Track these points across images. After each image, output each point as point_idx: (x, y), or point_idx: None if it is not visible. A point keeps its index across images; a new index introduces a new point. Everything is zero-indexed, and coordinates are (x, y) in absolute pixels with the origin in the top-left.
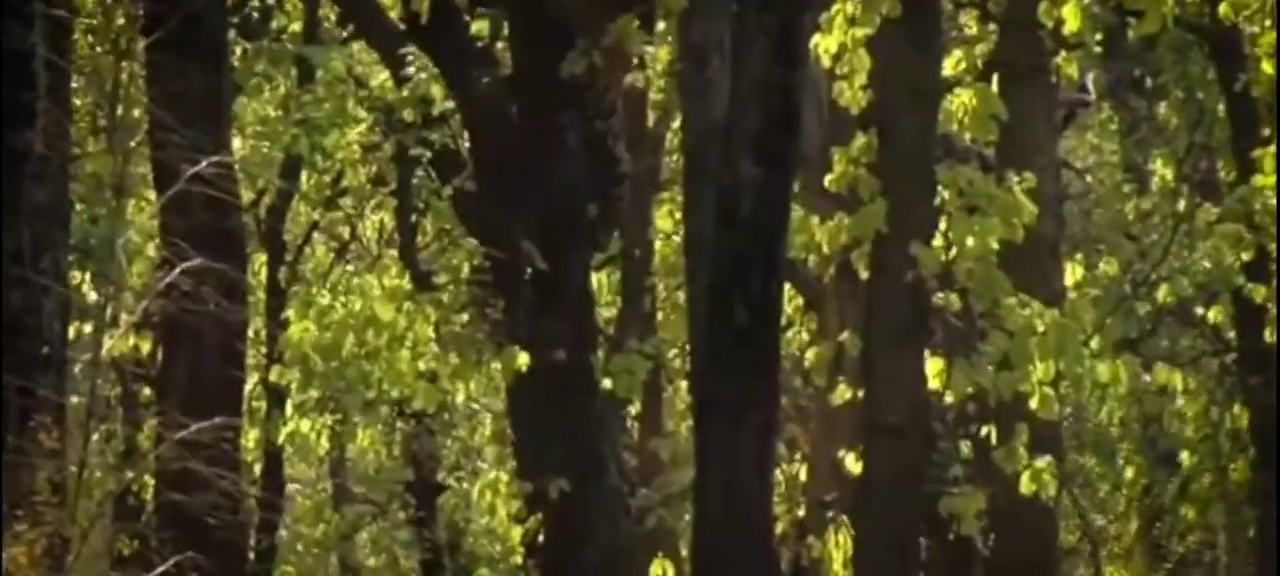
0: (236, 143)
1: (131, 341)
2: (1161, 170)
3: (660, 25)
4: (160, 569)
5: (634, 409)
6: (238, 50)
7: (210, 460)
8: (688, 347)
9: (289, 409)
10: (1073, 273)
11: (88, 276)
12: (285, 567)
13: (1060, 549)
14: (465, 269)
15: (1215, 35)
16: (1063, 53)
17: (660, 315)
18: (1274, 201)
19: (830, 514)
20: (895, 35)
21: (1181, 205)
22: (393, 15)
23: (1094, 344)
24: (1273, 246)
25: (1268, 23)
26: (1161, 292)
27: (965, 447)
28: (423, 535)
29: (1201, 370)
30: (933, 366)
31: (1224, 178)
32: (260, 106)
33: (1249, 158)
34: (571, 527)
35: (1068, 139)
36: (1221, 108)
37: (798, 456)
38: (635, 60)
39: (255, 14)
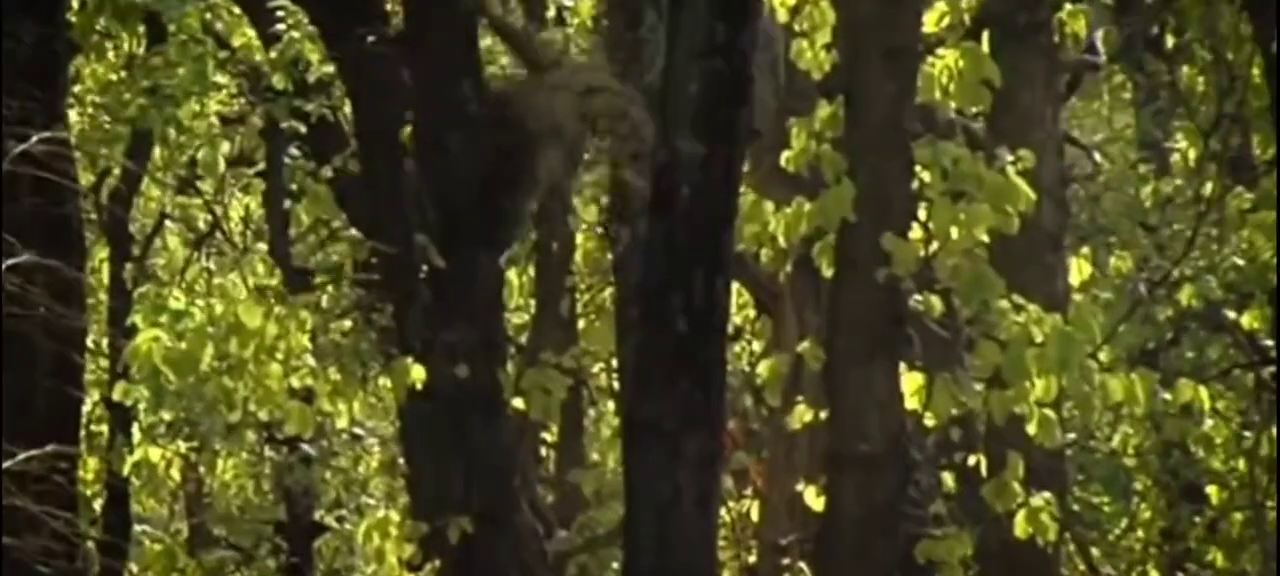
0: (73, 114)
1: None
2: (1184, 147)
3: None
4: None
5: (550, 434)
6: (75, 2)
7: (41, 496)
8: (615, 361)
9: (136, 434)
10: (1078, 270)
11: None
12: None
13: None
14: (348, 266)
15: None
16: (1067, 6)
17: (582, 322)
18: None
19: (786, 559)
20: None
21: (1208, 189)
22: None
23: (1104, 356)
24: None
25: None
26: (1185, 294)
27: (949, 481)
28: None
29: (1232, 386)
30: (910, 383)
31: (1259, 156)
32: (102, 70)
33: None
34: None
35: (1072, 109)
36: (1256, 72)
37: (748, 491)
38: (553, 11)
39: None
